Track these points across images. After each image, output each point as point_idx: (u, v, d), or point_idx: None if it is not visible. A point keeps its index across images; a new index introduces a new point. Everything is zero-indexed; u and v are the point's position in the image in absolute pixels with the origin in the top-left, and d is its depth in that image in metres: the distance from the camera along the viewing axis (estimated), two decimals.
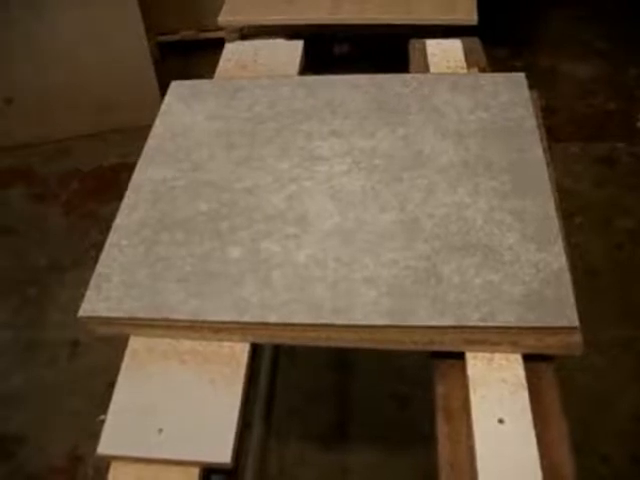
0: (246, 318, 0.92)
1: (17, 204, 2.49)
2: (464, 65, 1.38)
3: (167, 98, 1.33)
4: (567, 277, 0.91)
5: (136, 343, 0.96)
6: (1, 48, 2.57)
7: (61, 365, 1.95)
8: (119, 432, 0.87)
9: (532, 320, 0.86)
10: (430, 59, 1.41)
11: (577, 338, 0.86)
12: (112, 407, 0.90)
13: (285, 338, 0.93)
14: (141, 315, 0.95)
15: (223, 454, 0.82)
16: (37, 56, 2.60)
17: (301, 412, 1.77)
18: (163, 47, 3.04)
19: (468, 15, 1.60)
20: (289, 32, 1.58)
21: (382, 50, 1.51)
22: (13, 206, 2.50)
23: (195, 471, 0.83)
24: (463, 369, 0.87)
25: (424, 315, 0.88)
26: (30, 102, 2.70)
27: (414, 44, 1.49)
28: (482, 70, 1.37)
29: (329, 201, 1.06)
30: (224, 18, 1.72)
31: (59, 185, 2.58)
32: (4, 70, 2.63)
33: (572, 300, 0.88)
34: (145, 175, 1.16)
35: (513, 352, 0.87)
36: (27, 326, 2.07)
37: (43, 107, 2.71)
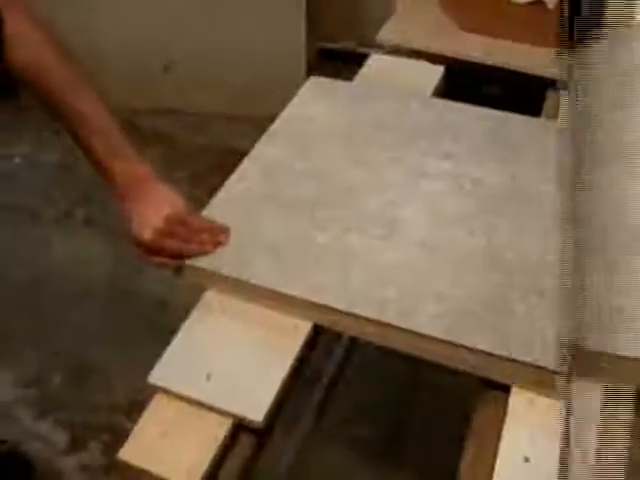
0: (315, 299, 0.97)
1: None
2: None
3: (302, 89, 1.41)
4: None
5: (210, 296, 1.03)
6: (173, 20, 2.75)
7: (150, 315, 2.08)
8: (171, 368, 0.93)
9: None
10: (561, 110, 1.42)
11: None
12: (172, 345, 0.96)
13: (347, 328, 0.98)
14: (223, 272, 1.02)
15: (257, 411, 0.88)
16: (201, 31, 2.76)
17: (355, 421, 1.80)
18: (323, 52, 3.16)
19: None
20: (441, 62, 1.61)
21: (529, 97, 1.52)
22: None
23: (228, 422, 0.88)
24: (505, 402, 0.90)
25: (479, 339, 0.91)
26: (183, 74, 2.87)
27: (550, 94, 1.51)
28: None
29: (423, 214, 1.10)
30: (383, 36, 1.77)
31: (193, 155, 2.73)
32: (168, 38, 2.79)
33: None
34: (263, 151, 1.24)
35: (558, 398, 0.87)
36: (128, 273, 2.18)
37: (195, 81, 2.87)
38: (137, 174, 1.04)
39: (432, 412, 1.81)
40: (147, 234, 1.01)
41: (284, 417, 0.95)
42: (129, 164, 1.04)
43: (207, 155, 2.71)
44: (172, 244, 1.02)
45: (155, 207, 1.02)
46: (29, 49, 1.00)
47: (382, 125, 1.30)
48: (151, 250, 1.02)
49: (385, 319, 0.94)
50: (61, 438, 1.79)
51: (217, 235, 1.05)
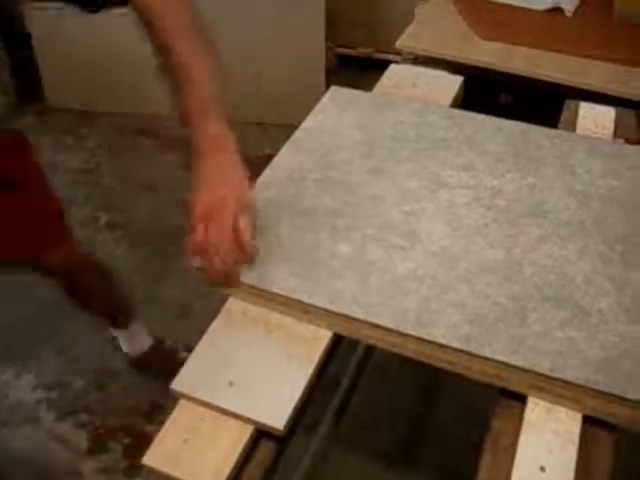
0: (334, 308, 0.99)
1: (166, 168, 2.69)
2: (611, 134, 1.40)
3: (324, 99, 1.43)
4: None
5: (233, 304, 1.05)
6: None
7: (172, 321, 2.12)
8: (195, 375, 0.95)
9: (599, 384, 0.88)
10: (579, 121, 1.44)
11: None
12: (195, 352, 0.98)
13: (366, 337, 0.99)
14: (245, 280, 1.03)
15: (278, 419, 0.89)
16: (222, 39, 2.71)
17: (373, 427, 1.81)
18: (342, 59, 3.20)
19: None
20: (461, 71, 1.62)
21: (546, 106, 1.52)
22: (161, 168, 2.72)
23: (249, 429, 0.90)
24: (522, 411, 0.91)
25: (497, 350, 0.92)
26: None
27: (569, 104, 1.51)
28: (629, 143, 1.36)
29: (443, 226, 1.11)
30: (403, 43, 1.78)
31: None
32: None
33: None
34: (285, 161, 1.25)
35: (574, 410, 0.90)
36: (152, 278, 2.22)
37: None
38: (219, 142, 1.05)
39: (450, 418, 1.81)
40: (197, 208, 1.01)
41: (303, 422, 0.97)
42: (216, 128, 1.05)
43: None
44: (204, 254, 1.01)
45: (218, 181, 1.03)
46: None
47: (402, 136, 1.32)
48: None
49: (403, 329, 0.96)
50: (81, 440, 1.81)
51: (239, 254, 1.02)
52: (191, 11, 1.07)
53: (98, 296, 1.80)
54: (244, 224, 1.00)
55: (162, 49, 1.05)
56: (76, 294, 1.73)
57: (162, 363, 1.87)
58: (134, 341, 1.92)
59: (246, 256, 1.02)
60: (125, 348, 1.94)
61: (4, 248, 1.47)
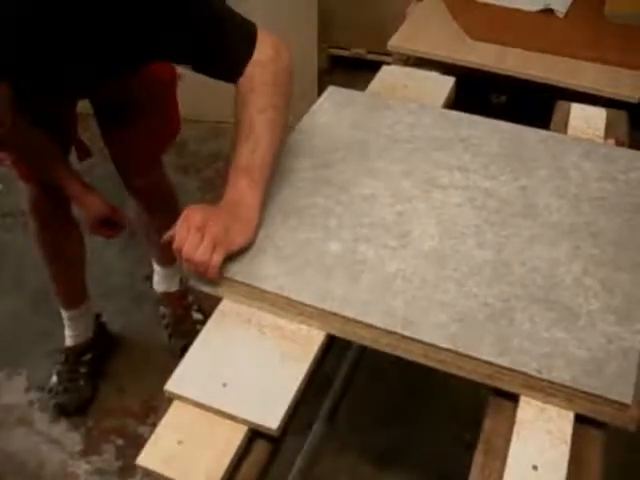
0: (325, 306, 0.99)
1: None
2: (602, 135, 1.40)
3: (321, 99, 1.44)
4: (635, 357, 0.92)
5: (225, 306, 1.05)
6: None
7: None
8: (189, 377, 0.95)
9: (585, 385, 0.89)
10: (571, 122, 1.44)
11: (632, 413, 0.87)
12: (189, 354, 0.98)
13: (359, 337, 0.99)
14: (237, 278, 1.04)
15: (272, 420, 0.89)
16: None
17: (366, 427, 1.80)
18: (334, 60, 3.19)
19: (631, 92, 1.60)
20: (453, 71, 1.62)
21: (538, 107, 1.52)
22: None
23: (243, 429, 0.90)
24: (514, 411, 0.91)
25: (485, 350, 0.93)
26: (194, 82, 2.79)
27: (560, 105, 1.51)
28: (620, 144, 1.37)
29: (434, 226, 1.12)
30: (394, 44, 1.80)
31: (203, 162, 2.75)
32: None
33: (633, 379, 0.89)
34: (280, 162, 1.24)
35: (566, 409, 0.90)
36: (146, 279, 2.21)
37: (207, 87, 2.82)
38: (244, 199, 1.08)
39: (443, 417, 1.81)
40: (195, 215, 1.04)
41: (297, 422, 0.97)
42: (247, 190, 1.08)
43: (218, 162, 2.72)
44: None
45: (225, 216, 1.06)
46: (257, 78, 1.14)
47: (397, 136, 1.32)
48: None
49: (392, 328, 0.96)
50: (75, 442, 1.80)
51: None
52: (287, 81, 1.20)
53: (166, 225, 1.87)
54: (219, 258, 1.02)
55: (236, 118, 1.12)
56: (152, 220, 1.88)
57: (176, 309, 2.03)
58: (166, 282, 2.07)
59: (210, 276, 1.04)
60: (156, 284, 2.09)
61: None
